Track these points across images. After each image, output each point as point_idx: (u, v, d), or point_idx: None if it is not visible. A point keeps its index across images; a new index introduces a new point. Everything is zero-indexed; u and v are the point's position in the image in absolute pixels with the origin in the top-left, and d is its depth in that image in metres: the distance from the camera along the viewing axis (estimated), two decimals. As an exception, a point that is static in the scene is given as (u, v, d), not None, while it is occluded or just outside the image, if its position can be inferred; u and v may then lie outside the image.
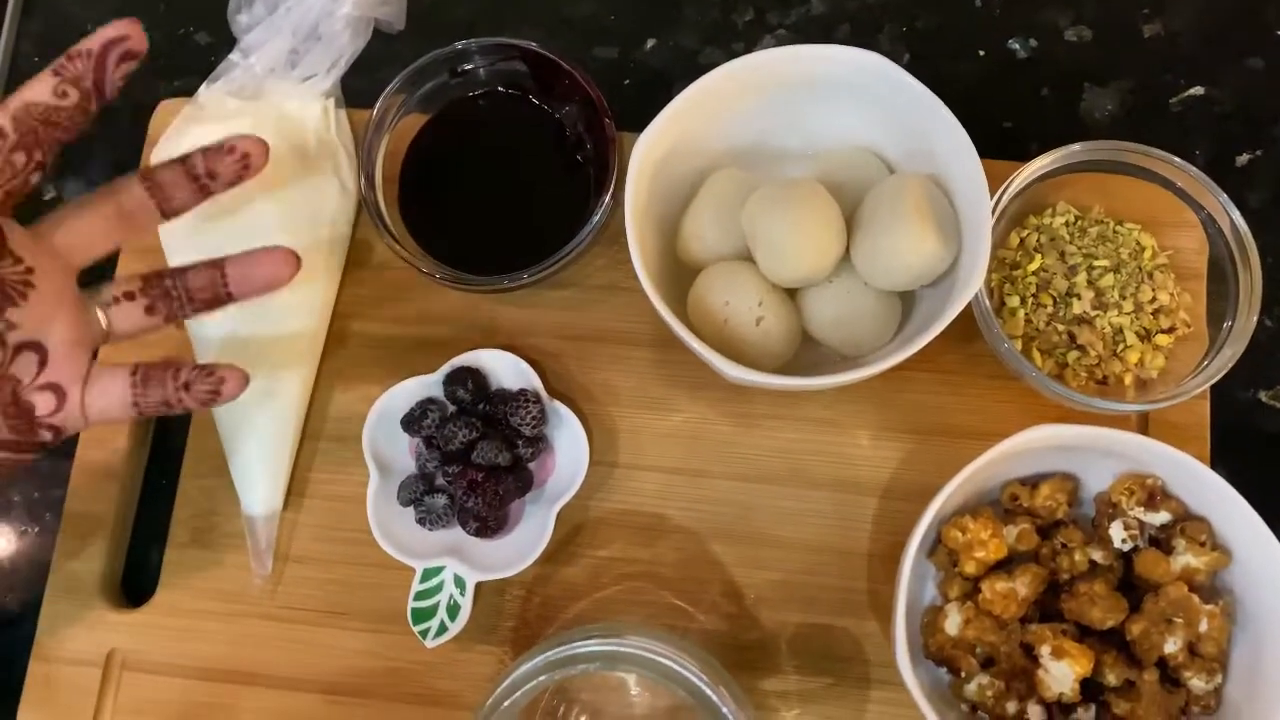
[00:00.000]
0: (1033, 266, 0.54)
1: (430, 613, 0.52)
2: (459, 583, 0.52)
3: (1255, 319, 0.51)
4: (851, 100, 0.53)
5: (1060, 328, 0.53)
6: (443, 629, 0.52)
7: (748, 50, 0.52)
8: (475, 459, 0.52)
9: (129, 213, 0.45)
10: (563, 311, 0.57)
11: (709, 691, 0.42)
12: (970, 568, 0.49)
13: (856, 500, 0.54)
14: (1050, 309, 0.53)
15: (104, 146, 0.63)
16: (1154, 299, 0.53)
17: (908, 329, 0.53)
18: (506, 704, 0.42)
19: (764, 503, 0.54)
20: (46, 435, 0.43)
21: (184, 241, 0.54)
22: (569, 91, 0.56)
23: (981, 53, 0.64)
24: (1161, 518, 0.49)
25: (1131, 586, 0.49)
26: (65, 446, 0.55)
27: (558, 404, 0.54)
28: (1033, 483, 0.51)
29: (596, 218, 0.53)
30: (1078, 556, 0.49)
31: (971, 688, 0.48)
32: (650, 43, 0.65)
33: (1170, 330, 0.53)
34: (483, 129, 0.58)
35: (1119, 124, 0.62)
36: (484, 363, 0.54)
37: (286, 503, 0.55)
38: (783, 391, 0.55)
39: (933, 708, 0.45)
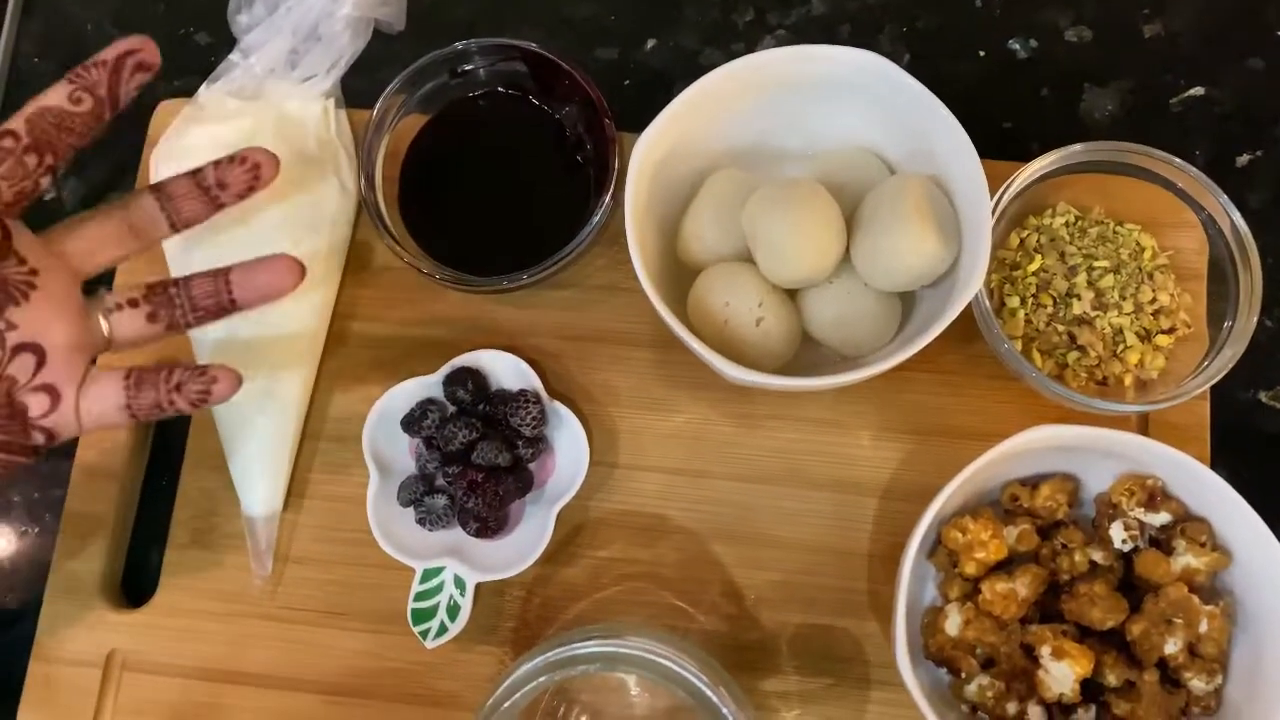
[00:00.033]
0: (1033, 267, 0.54)
1: (430, 613, 0.52)
2: (459, 583, 0.52)
3: (1255, 319, 0.51)
4: (852, 100, 0.53)
5: (1060, 328, 0.53)
6: (443, 630, 0.52)
7: (748, 51, 0.52)
8: (475, 459, 0.52)
9: (138, 224, 0.46)
10: (563, 312, 0.57)
11: (709, 692, 0.42)
12: (970, 568, 0.49)
13: (857, 501, 0.54)
14: (1050, 309, 0.53)
15: (104, 147, 0.62)
16: (1154, 299, 0.53)
17: (908, 330, 0.53)
18: (507, 705, 0.42)
19: (764, 503, 0.54)
20: (39, 438, 0.43)
21: (183, 240, 0.54)
22: (569, 92, 0.56)
23: (982, 53, 0.64)
24: (1162, 518, 0.49)
25: (1132, 587, 0.49)
26: (65, 447, 0.55)
27: (558, 404, 0.54)
28: (1033, 483, 0.51)
29: (596, 218, 0.53)
30: (1078, 557, 0.49)
31: (972, 688, 0.48)
32: (650, 43, 0.65)
33: (1170, 331, 0.53)
34: (483, 129, 0.58)
35: (1119, 124, 0.62)
36: (484, 363, 0.54)
37: (286, 503, 0.55)
38: (783, 392, 0.55)
39: (933, 708, 0.45)
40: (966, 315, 0.50)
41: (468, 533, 0.52)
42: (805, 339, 0.54)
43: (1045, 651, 0.47)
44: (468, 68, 0.57)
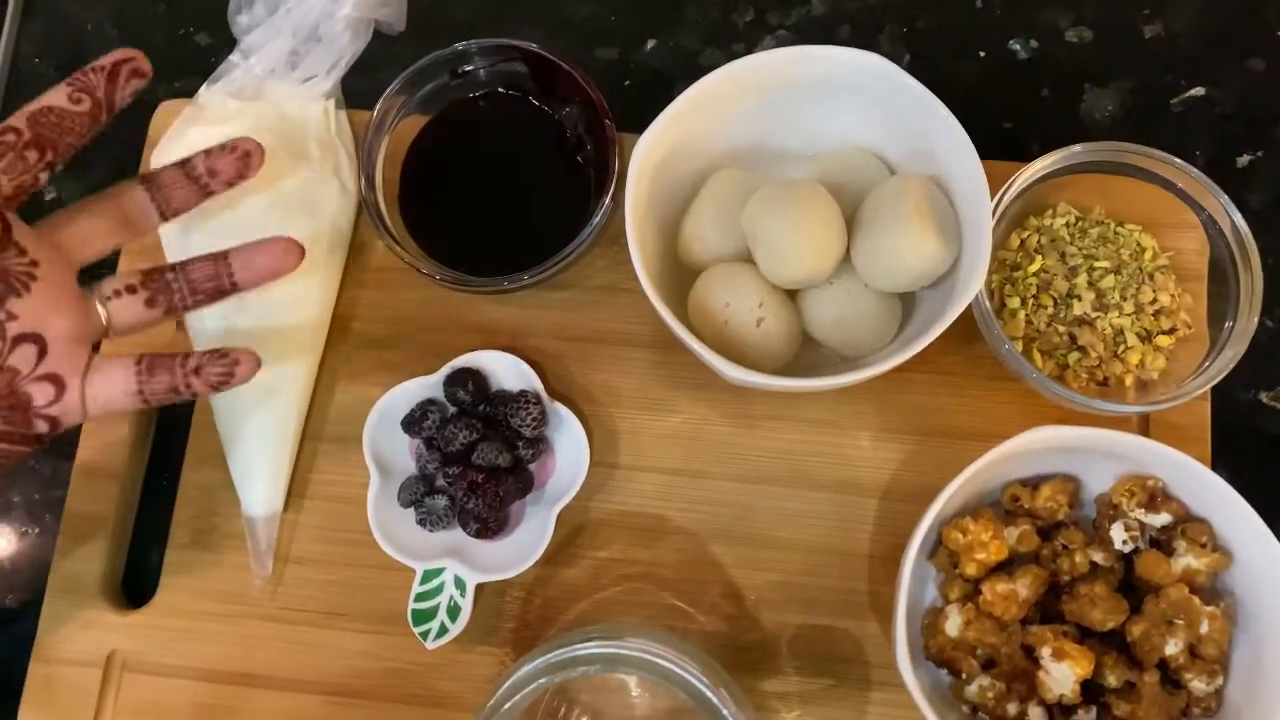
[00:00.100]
0: (1033, 268, 0.54)
1: (431, 614, 0.52)
2: (459, 584, 0.52)
3: (1256, 320, 0.51)
4: (852, 101, 0.53)
5: (1061, 329, 0.53)
6: (443, 630, 0.52)
7: (748, 51, 0.52)
8: (476, 460, 0.52)
9: (129, 214, 0.47)
10: (563, 312, 0.57)
11: (709, 693, 0.42)
12: (971, 569, 0.49)
13: (857, 502, 0.54)
14: (1051, 310, 0.53)
15: (104, 147, 0.62)
16: (1155, 300, 0.53)
17: (908, 330, 0.53)
18: (507, 706, 0.42)
19: (764, 504, 0.54)
20: (43, 426, 0.44)
21: (184, 243, 0.54)
22: (569, 92, 0.56)
23: (982, 53, 0.64)
24: (1162, 519, 0.49)
25: (1132, 588, 0.49)
26: (65, 447, 0.55)
27: (558, 405, 0.54)
28: (1033, 484, 0.51)
29: (597, 219, 0.53)
30: (1078, 558, 0.49)
31: (972, 689, 0.48)
32: (650, 43, 0.65)
33: (1171, 331, 0.53)
34: (483, 130, 0.58)
35: (1119, 125, 0.62)
36: (484, 364, 0.54)
37: (287, 504, 0.55)
38: (783, 393, 0.55)
39: (933, 709, 0.45)
40: (967, 316, 0.50)
41: (468, 533, 0.52)
42: (805, 340, 0.54)
43: (1046, 652, 0.47)
44: (468, 68, 0.57)
